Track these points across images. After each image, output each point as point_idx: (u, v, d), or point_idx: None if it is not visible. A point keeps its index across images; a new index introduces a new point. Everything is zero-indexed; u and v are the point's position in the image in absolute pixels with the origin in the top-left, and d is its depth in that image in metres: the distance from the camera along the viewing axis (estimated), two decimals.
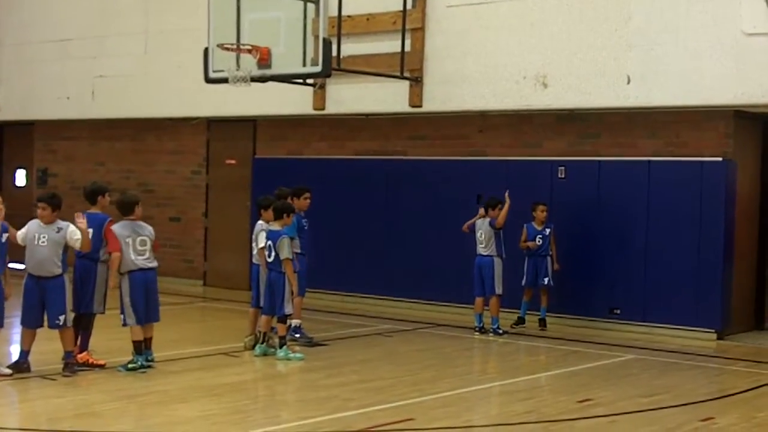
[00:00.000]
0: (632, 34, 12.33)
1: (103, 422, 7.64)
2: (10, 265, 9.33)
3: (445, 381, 9.58)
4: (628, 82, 12.35)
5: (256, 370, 10.19)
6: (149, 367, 9.50)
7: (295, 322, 11.26)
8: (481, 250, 12.45)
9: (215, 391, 8.82)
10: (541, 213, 12.81)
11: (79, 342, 9.51)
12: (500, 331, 12.32)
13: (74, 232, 9.07)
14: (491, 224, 12.38)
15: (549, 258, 12.81)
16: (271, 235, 10.41)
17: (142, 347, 9.50)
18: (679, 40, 12.03)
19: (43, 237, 9.01)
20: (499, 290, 12.35)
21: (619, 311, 12.84)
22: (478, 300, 12.51)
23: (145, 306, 9.49)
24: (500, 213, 12.33)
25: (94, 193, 9.69)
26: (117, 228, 9.46)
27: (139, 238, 9.45)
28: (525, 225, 12.80)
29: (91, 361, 9.51)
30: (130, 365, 9.40)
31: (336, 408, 8.29)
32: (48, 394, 8.59)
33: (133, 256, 9.40)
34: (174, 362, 10.03)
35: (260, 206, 10.91)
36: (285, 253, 10.28)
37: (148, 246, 9.51)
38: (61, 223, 9.13)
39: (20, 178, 19.79)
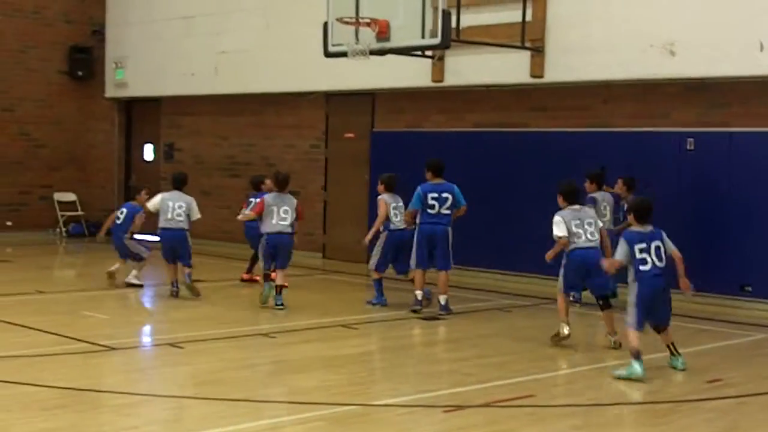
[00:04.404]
0: None
1: (224, 390, 7.75)
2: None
3: (566, 358, 9.40)
4: (761, 49, 11.77)
5: (374, 343, 10.20)
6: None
7: (418, 292, 11.43)
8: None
9: (334, 362, 8.88)
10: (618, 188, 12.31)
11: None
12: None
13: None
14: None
15: None
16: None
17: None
18: None
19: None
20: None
21: (750, 288, 12.34)
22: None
23: (278, 258, 11.56)
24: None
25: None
26: (269, 198, 11.57)
27: (282, 207, 11.47)
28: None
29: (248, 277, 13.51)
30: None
31: (456, 382, 8.24)
32: (175, 362, 8.84)
33: (274, 221, 11.42)
34: (293, 333, 10.16)
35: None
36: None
37: (290, 215, 11.48)
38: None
39: (148, 152, 20.38)
